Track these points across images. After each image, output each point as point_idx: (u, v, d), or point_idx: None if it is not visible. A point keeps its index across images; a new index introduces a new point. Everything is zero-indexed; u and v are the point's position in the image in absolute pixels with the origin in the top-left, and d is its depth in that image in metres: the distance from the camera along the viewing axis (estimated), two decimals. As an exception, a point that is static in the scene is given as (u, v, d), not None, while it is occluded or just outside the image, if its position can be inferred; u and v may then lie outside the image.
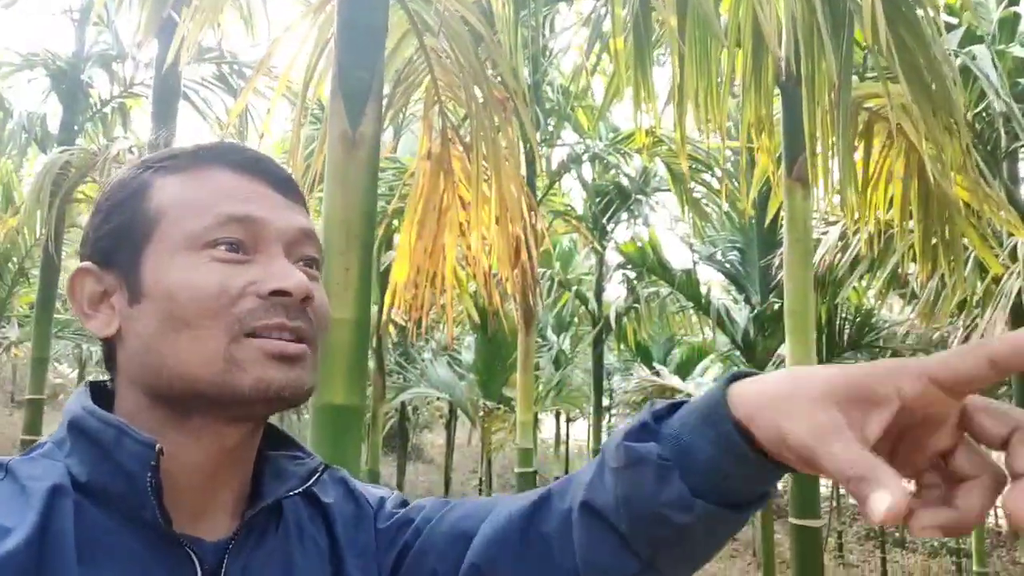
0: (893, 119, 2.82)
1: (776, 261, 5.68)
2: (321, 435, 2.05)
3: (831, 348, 6.84)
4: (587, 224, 8.14)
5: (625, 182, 8.00)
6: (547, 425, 18.97)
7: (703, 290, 7.68)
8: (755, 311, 7.12)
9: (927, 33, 2.68)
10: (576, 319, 11.78)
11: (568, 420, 18.01)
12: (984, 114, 4.63)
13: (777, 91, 3.47)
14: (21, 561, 0.49)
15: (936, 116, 2.80)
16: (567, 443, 17.90)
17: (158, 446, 0.54)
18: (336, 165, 2.17)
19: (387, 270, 5.55)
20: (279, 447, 0.66)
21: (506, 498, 0.64)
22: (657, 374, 9.23)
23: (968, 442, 0.44)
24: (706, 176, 6.53)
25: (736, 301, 7.71)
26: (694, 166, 5.94)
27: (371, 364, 6.23)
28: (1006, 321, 4.46)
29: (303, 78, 2.82)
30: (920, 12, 2.68)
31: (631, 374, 11.25)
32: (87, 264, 0.61)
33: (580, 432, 18.93)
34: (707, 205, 7.00)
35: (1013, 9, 4.77)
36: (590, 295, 9.04)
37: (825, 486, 9.00)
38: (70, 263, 7.85)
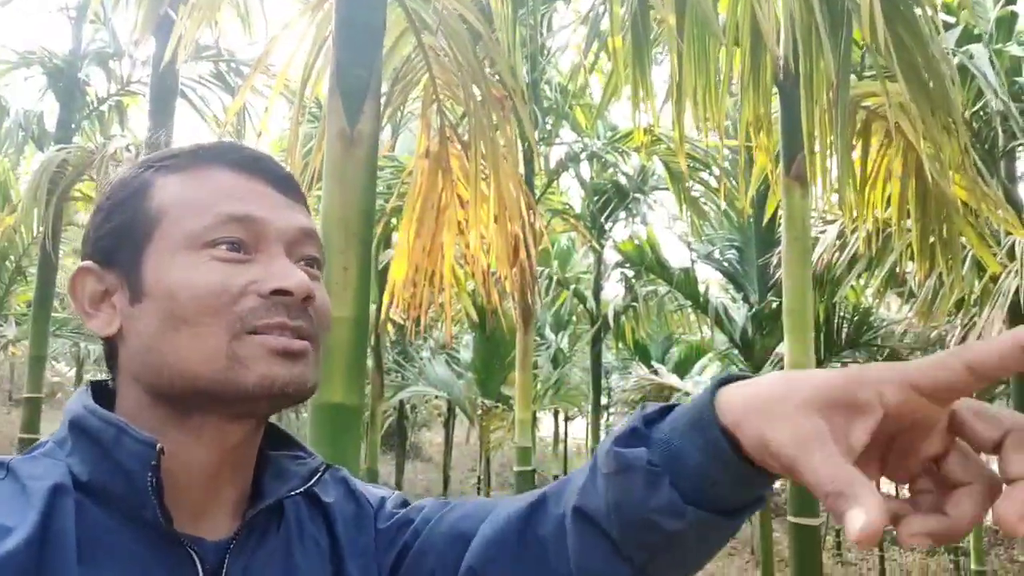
0: (891, 118, 2.82)
1: (774, 260, 5.69)
2: (320, 434, 2.05)
3: (829, 347, 6.85)
4: (585, 223, 8.14)
5: (623, 181, 8.00)
6: (545, 423, 18.99)
7: (701, 289, 7.68)
8: (753, 310, 7.13)
9: (925, 32, 2.68)
10: (574, 318, 11.77)
11: (566, 418, 18.02)
12: (982, 113, 4.64)
13: (775, 90, 3.47)
14: (22, 560, 0.49)
15: (934, 115, 2.80)
16: (565, 441, 17.90)
17: (159, 445, 0.54)
18: (334, 163, 2.16)
19: (385, 268, 5.55)
20: (280, 447, 0.66)
21: (505, 499, 0.64)
22: (655, 373, 9.24)
23: (961, 447, 0.43)
24: (704, 175, 6.54)
25: (734, 300, 7.72)
26: (692, 165, 5.94)
27: (369, 362, 6.22)
28: (1004, 320, 4.46)
29: (301, 76, 2.82)
30: (918, 11, 2.68)
31: (629, 373, 11.27)
32: (88, 263, 0.61)
33: (578, 430, 18.96)
34: (705, 204, 7.01)
35: (1010, 8, 4.78)
36: (588, 294, 9.04)
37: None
38: (67, 261, 7.84)
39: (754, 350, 7.11)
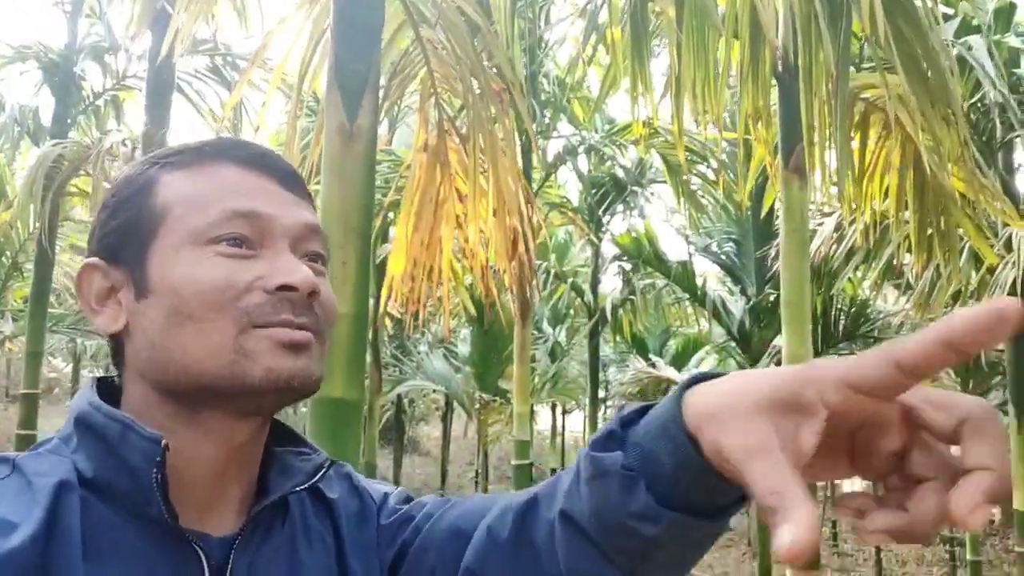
0: (890, 110, 2.82)
1: (772, 252, 5.69)
2: (320, 429, 2.05)
3: (826, 339, 6.86)
4: (583, 216, 8.14)
5: (621, 174, 7.99)
6: (543, 417, 19.01)
7: (699, 281, 7.68)
8: (751, 302, 7.14)
9: (925, 23, 2.68)
10: (572, 311, 11.78)
11: (564, 412, 18.03)
12: (979, 104, 4.64)
13: (774, 82, 3.47)
14: (27, 557, 0.49)
15: (934, 107, 2.80)
16: (563, 435, 17.94)
17: (164, 441, 0.54)
18: (333, 158, 2.16)
19: (383, 263, 5.55)
20: (285, 443, 0.66)
21: (505, 496, 0.64)
22: (653, 366, 9.27)
23: (926, 441, 0.41)
24: (702, 167, 6.53)
25: (732, 292, 7.73)
26: (690, 157, 5.94)
27: (367, 357, 6.23)
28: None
29: (298, 71, 2.81)
30: (918, 2, 2.68)
31: (627, 366, 11.28)
32: (94, 260, 0.61)
33: (576, 424, 18.98)
34: (703, 196, 7.01)
35: (1009, -1, 4.77)
36: (586, 287, 9.04)
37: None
38: (64, 257, 7.82)
39: (752, 342, 7.13)
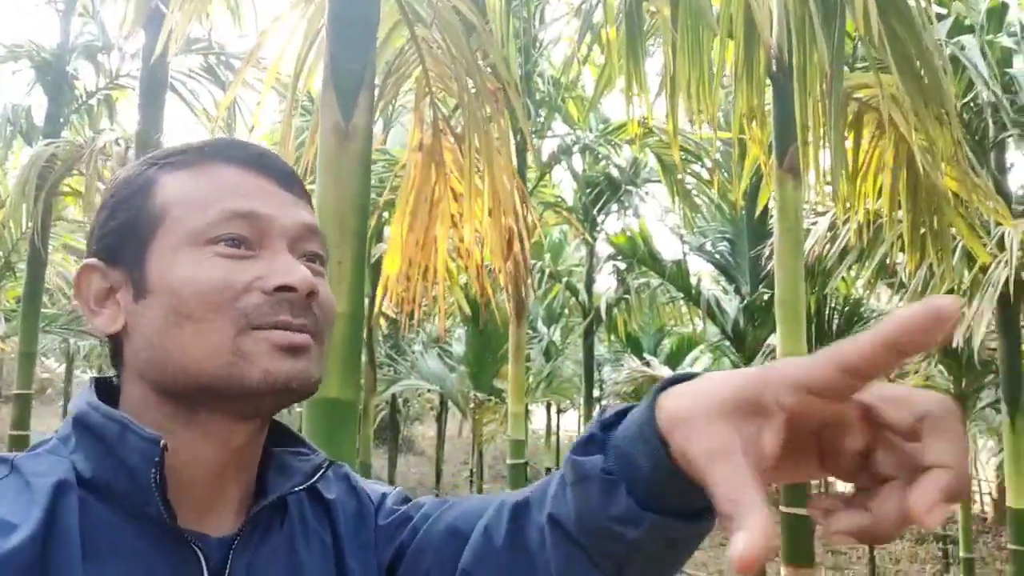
0: (884, 109, 2.83)
1: (766, 251, 5.71)
2: (316, 429, 2.05)
3: (820, 338, 6.88)
4: (577, 215, 8.15)
5: (616, 173, 8.00)
6: (538, 416, 19.02)
7: (693, 281, 7.70)
8: (745, 301, 7.16)
9: (918, 23, 2.69)
10: (566, 310, 11.80)
11: (559, 411, 18.05)
12: (972, 104, 4.66)
13: (768, 81, 3.48)
14: (26, 557, 0.49)
15: (927, 107, 2.81)
16: (558, 434, 17.96)
17: (162, 442, 0.54)
18: (329, 158, 2.15)
19: (378, 262, 5.55)
20: (283, 443, 0.66)
21: (501, 496, 0.64)
22: (647, 365, 9.28)
23: (889, 439, 0.40)
24: (697, 167, 6.55)
25: (726, 291, 7.74)
26: (685, 157, 5.95)
27: (362, 357, 6.22)
28: (993, 310, 4.50)
29: (293, 70, 2.80)
30: (911, 2, 2.69)
31: (621, 365, 11.29)
32: (93, 260, 0.61)
33: (571, 423, 18.98)
34: (697, 196, 7.01)
35: (1001, -1, 4.79)
36: (580, 286, 9.05)
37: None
38: (56, 257, 7.79)
39: (746, 341, 7.14)
